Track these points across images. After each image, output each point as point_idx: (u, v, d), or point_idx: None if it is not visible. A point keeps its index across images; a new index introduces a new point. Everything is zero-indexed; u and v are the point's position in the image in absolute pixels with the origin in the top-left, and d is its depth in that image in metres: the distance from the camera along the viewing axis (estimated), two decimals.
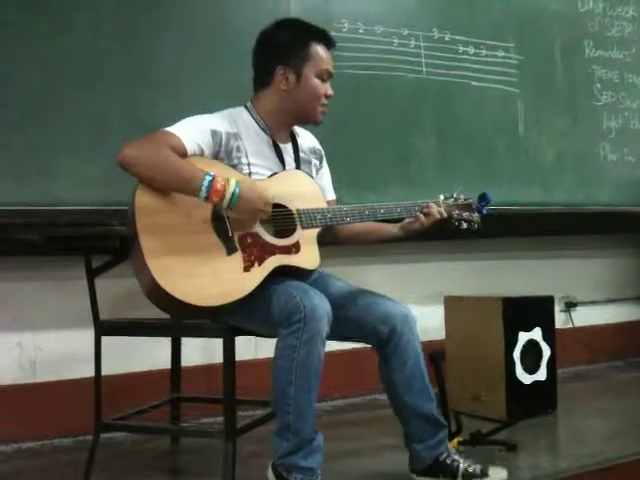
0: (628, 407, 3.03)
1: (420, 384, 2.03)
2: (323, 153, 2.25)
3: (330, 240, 2.16)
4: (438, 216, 2.10)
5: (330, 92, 2.07)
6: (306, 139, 2.20)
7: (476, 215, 2.22)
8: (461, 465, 2.00)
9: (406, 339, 2.00)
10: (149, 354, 2.72)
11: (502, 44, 3.52)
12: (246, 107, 2.08)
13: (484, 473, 1.99)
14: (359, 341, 2.10)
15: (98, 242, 2.27)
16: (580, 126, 3.75)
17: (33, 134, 2.47)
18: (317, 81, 2.04)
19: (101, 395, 2.15)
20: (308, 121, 2.11)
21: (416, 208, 2.11)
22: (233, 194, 1.82)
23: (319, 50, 2.04)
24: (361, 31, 3.13)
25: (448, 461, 2.02)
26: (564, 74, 3.71)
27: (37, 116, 2.48)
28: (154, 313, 2.01)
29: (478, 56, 3.44)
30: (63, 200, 2.49)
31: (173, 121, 1.95)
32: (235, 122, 2.02)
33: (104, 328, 2.16)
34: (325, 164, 2.26)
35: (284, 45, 2.02)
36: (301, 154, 2.14)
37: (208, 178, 1.80)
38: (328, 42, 2.07)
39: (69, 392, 2.61)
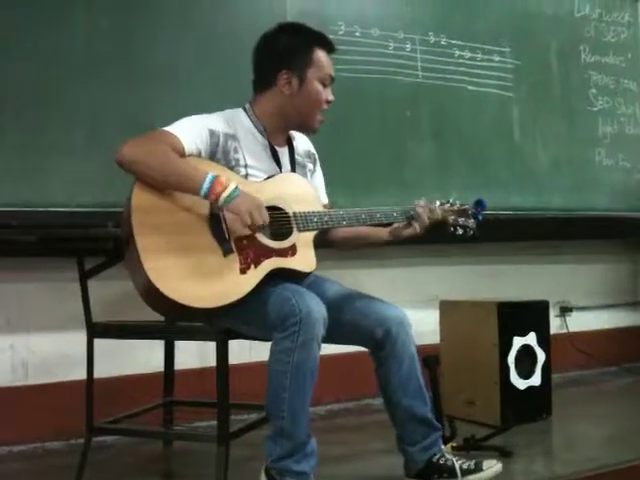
0: (623, 413, 3.03)
1: (415, 386, 2.03)
2: (317, 157, 2.24)
3: (322, 243, 2.15)
4: (427, 221, 2.08)
5: (331, 97, 2.07)
6: (301, 142, 2.19)
7: (472, 221, 2.21)
8: (456, 463, 2.00)
9: (401, 342, 2.00)
10: (142, 357, 2.70)
11: (498, 48, 3.52)
12: (244, 109, 2.07)
13: (479, 468, 1.99)
14: (355, 344, 2.09)
15: (91, 244, 2.26)
16: (575, 131, 3.76)
17: (27, 134, 2.46)
18: (319, 86, 2.04)
19: (93, 398, 2.13)
20: (305, 128, 2.12)
21: (412, 212, 2.10)
22: (230, 195, 1.80)
23: (321, 55, 2.05)
24: (357, 34, 3.13)
25: (442, 461, 2.01)
26: (560, 79, 3.72)
27: (31, 116, 2.47)
28: (147, 316, 2.00)
29: (474, 60, 3.44)
30: (57, 201, 2.48)
31: (169, 122, 1.93)
32: (233, 123, 2.01)
33: (97, 330, 2.15)
34: (318, 168, 2.25)
35: (288, 49, 2.02)
36: (297, 157, 2.13)
37: (210, 177, 1.79)
38: (329, 47, 2.08)
39: (61, 395, 2.59)
